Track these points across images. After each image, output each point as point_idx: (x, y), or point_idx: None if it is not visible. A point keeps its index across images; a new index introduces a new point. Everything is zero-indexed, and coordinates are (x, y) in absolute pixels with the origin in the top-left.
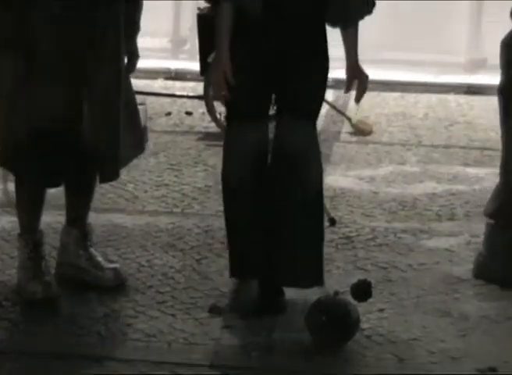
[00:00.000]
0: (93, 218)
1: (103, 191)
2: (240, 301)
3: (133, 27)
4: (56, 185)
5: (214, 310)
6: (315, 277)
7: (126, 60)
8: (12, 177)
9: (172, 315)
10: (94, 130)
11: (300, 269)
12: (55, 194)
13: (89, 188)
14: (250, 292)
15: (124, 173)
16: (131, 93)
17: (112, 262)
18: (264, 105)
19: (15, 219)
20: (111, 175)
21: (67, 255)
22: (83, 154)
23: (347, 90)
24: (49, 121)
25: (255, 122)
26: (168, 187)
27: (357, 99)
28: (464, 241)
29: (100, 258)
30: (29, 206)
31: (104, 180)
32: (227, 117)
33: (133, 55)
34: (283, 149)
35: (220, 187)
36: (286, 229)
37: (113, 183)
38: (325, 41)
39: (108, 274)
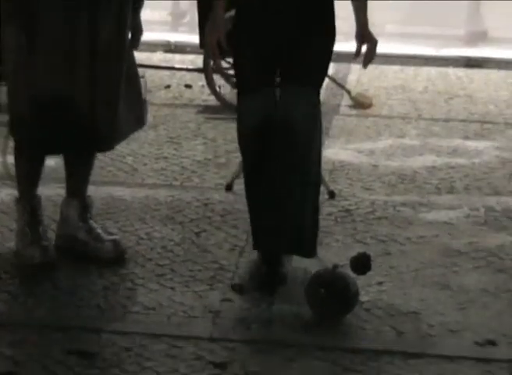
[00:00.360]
0: (92, 191)
1: (102, 164)
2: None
3: (139, 1)
4: (55, 153)
5: (236, 288)
6: (310, 248)
7: (129, 35)
8: (11, 150)
9: (172, 288)
10: (94, 101)
11: (295, 238)
12: (55, 167)
13: (88, 159)
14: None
15: (123, 146)
16: (134, 67)
17: (111, 234)
18: (270, 76)
19: (14, 191)
20: (107, 145)
21: (67, 227)
22: (83, 124)
23: (356, 55)
24: (50, 90)
25: (262, 92)
26: (168, 160)
27: (365, 64)
28: (463, 214)
29: (99, 230)
30: (27, 173)
31: (100, 150)
32: (237, 88)
33: (137, 30)
34: (286, 116)
35: (219, 160)
36: (284, 195)
37: (112, 155)
38: (332, 11)
39: (107, 246)
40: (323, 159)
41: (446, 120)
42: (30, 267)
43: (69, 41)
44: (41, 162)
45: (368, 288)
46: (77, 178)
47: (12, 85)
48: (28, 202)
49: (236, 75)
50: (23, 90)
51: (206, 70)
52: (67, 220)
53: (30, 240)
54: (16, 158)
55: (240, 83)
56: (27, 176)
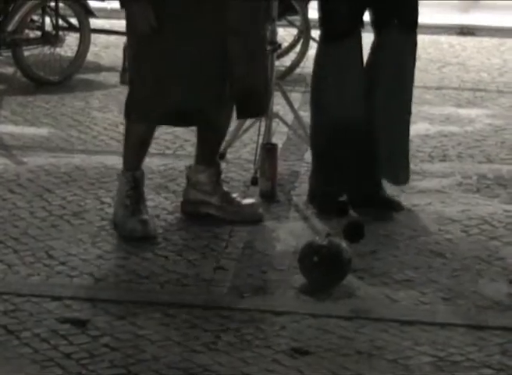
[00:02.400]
0: (84, 160)
1: (95, 133)
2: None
3: None
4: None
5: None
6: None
7: None
8: (3, 119)
9: (165, 256)
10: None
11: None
12: (47, 136)
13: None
14: None
15: (116, 115)
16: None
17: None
18: (359, 21)
19: (7, 161)
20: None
21: (197, 193)
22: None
23: None
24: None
25: (351, 37)
26: (160, 129)
27: None
28: (455, 182)
29: (234, 195)
30: (138, 144)
31: (259, 115)
32: (323, 35)
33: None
34: (396, 59)
35: None
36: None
37: (105, 124)
38: None
39: (246, 209)
40: None
41: (439, 88)
42: (131, 240)
43: (212, 20)
44: (152, 133)
45: (360, 256)
46: (211, 145)
47: (138, 58)
48: (132, 174)
49: (324, 21)
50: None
51: None
52: (197, 186)
53: (130, 212)
54: (128, 130)
55: (328, 27)
56: (137, 146)
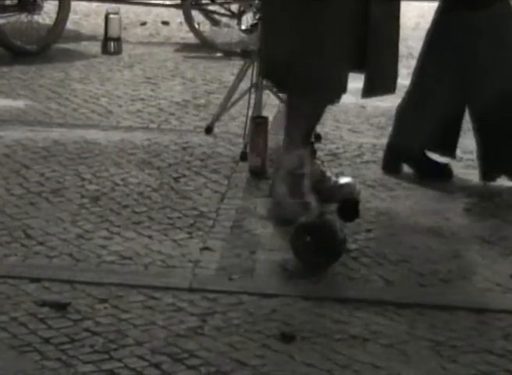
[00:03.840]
0: (64, 134)
1: (75, 106)
2: None
3: None
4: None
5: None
6: None
7: None
8: None
9: (149, 236)
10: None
11: None
12: (24, 109)
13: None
14: None
15: (97, 87)
16: None
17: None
18: None
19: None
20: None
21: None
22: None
23: None
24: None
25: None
26: (144, 102)
27: None
28: (456, 157)
29: (329, 174)
30: (310, 122)
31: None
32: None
33: None
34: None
35: (198, 101)
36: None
37: (85, 97)
38: None
39: (345, 187)
40: None
41: None
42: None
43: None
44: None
45: (355, 236)
46: (307, 123)
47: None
48: (299, 151)
49: None
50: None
51: (184, 6)
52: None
53: (291, 192)
54: (301, 107)
55: None
56: (309, 123)
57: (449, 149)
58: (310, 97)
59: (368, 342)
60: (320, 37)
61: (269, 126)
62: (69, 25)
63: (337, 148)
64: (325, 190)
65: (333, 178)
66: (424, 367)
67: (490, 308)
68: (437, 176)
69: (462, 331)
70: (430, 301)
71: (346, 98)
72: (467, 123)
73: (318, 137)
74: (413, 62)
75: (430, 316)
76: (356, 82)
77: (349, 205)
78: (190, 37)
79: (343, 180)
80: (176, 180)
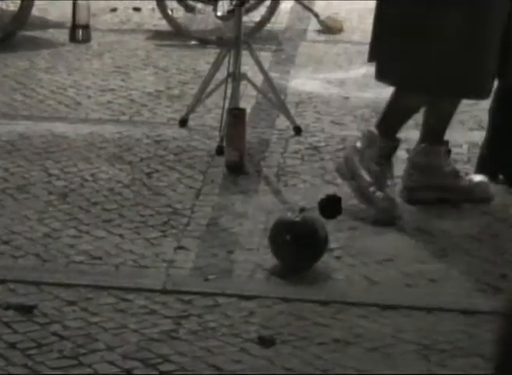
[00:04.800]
0: (30, 127)
1: (41, 97)
2: None
3: None
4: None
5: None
6: None
7: None
8: None
9: (120, 235)
10: None
11: None
12: None
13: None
14: None
15: (64, 77)
16: None
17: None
18: None
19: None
20: None
21: (431, 175)
22: None
23: None
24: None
25: None
26: (115, 93)
27: None
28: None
29: (463, 173)
30: (407, 114)
31: None
32: None
33: None
34: None
35: (171, 92)
36: None
37: (52, 87)
38: None
39: (481, 186)
40: (288, 91)
41: None
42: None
43: None
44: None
45: (338, 234)
46: (443, 122)
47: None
48: (388, 144)
49: None
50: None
51: None
52: (430, 169)
53: (376, 182)
54: (404, 96)
55: None
56: (405, 115)
57: None
58: (455, 98)
59: (351, 346)
60: (480, 41)
61: (247, 119)
62: (34, 11)
63: (318, 141)
64: (461, 189)
65: (466, 177)
66: (410, 372)
67: (480, 309)
68: None
69: (450, 334)
70: (417, 302)
71: (328, 89)
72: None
73: (298, 130)
74: None
75: (417, 318)
76: (339, 72)
77: (331, 202)
78: (163, 25)
79: (477, 178)
80: (149, 175)
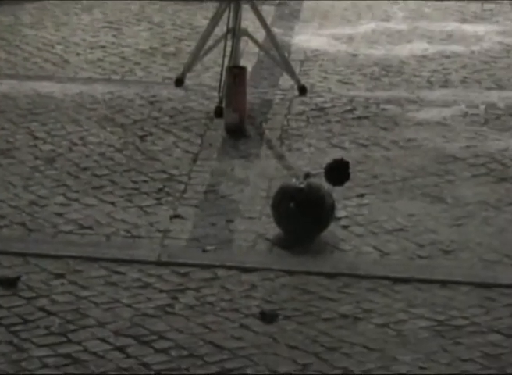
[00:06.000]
0: (15, 87)
1: (26, 55)
2: None
3: None
4: None
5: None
6: None
7: None
8: None
9: (112, 203)
10: None
11: None
12: None
13: None
14: None
15: (51, 33)
16: None
17: None
18: None
19: None
20: None
21: None
22: None
23: None
24: None
25: None
26: (105, 50)
27: None
28: (459, 112)
29: None
30: None
31: None
32: None
33: None
34: None
35: (167, 49)
36: None
37: (38, 44)
38: None
39: None
40: (292, 48)
41: None
42: None
43: None
44: None
45: (345, 201)
46: None
47: None
48: None
49: None
50: None
51: None
52: None
53: None
54: None
55: None
56: None
57: None
58: None
59: (359, 322)
60: None
61: (248, 78)
62: None
63: (324, 101)
64: None
65: None
66: (422, 350)
67: (497, 282)
68: None
69: (466, 309)
70: (430, 275)
71: (334, 45)
72: (471, 72)
73: (303, 90)
74: (411, 4)
75: (430, 292)
76: (346, 28)
77: (338, 167)
78: None
79: None
80: (142, 138)
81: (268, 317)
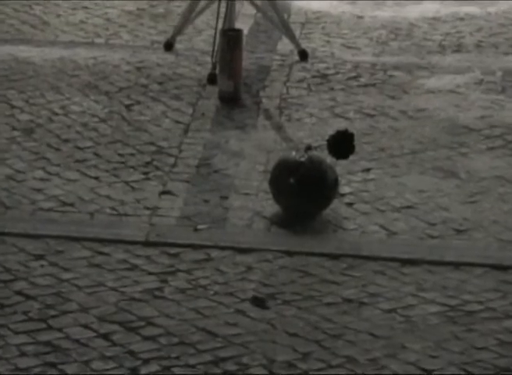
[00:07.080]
0: None
1: (2, 17)
2: None
3: None
4: None
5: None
6: None
7: None
8: None
9: (96, 177)
10: None
11: None
12: None
13: None
14: None
15: None
16: None
17: None
18: None
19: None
20: None
21: None
22: None
23: None
24: None
25: None
26: (88, 11)
27: None
28: (473, 79)
29: None
30: None
31: None
32: None
33: None
34: None
35: (155, 10)
36: None
37: (15, 5)
38: None
39: None
40: (292, 9)
41: None
42: None
43: None
44: None
45: (350, 176)
46: None
47: None
48: None
49: None
50: None
51: None
52: None
53: None
54: None
55: None
56: None
57: None
58: None
59: (365, 307)
60: None
61: (244, 42)
62: None
63: (327, 67)
64: None
65: None
66: (433, 337)
67: None
68: None
69: (480, 293)
70: (441, 256)
71: (338, 6)
72: (487, 35)
73: (304, 55)
74: None
75: (441, 274)
76: None
77: (342, 139)
78: None
79: None
80: (129, 108)
81: (265, 302)
